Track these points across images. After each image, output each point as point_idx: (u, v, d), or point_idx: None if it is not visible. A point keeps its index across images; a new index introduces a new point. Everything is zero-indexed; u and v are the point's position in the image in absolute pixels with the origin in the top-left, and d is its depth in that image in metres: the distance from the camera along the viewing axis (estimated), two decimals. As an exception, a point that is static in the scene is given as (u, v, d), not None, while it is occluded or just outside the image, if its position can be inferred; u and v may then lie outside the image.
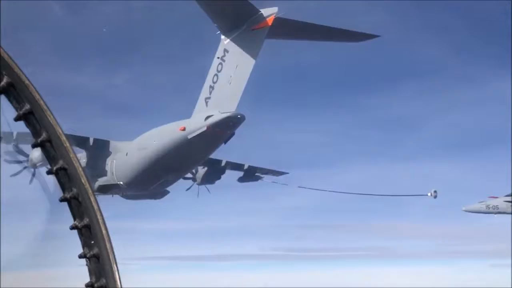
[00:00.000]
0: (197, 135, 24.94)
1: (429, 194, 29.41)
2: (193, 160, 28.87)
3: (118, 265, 3.35)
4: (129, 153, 29.72)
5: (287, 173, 39.20)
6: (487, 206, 60.10)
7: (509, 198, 59.41)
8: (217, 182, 35.10)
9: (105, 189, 30.98)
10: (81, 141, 30.28)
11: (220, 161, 34.19)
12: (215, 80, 25.01)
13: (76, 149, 30.96)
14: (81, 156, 31.58)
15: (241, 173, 36.80)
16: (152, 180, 29.88)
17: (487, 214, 60.37)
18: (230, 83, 24.12)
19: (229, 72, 24.32)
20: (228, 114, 24.12)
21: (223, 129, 24.85)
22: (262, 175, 37.65)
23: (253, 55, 23.59)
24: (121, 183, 30.28)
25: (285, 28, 23.70)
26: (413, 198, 31.33)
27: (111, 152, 31.01)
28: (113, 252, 3.33)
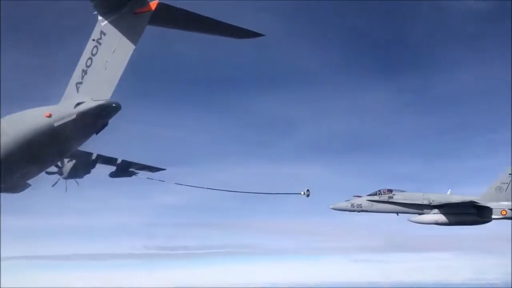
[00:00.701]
0: (65, 123, 22.46)
1: (302, 193, 30.33)
2: (59, 150, 26.14)
3: None
4: None
5: (164, 169, 37.84)
6: (352, 205, 64.76)
7: (370, 197, 64.72)
8: (86, 176, 32.79)
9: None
10: None
11: (90, 154, 31.84)
12: (88, 64, 22.79)
13: None
14: None
15: (113, 168, 34.86)
16: (11, 171, 26.47)
17: (352, 212, 64.98)
18: (105, 68, 22.08)
19: (105, 57, 22.28)
20: (101, 102, 22.04)
21: (95, 118, 22.67)
22: (136, 171, 35.99)
23: (133, 40, 21.85)
24: (-29, 173, 26.53)
25: (170, 16, 22.36)
26: (286, 197, 32.10)
27: None
28: None
